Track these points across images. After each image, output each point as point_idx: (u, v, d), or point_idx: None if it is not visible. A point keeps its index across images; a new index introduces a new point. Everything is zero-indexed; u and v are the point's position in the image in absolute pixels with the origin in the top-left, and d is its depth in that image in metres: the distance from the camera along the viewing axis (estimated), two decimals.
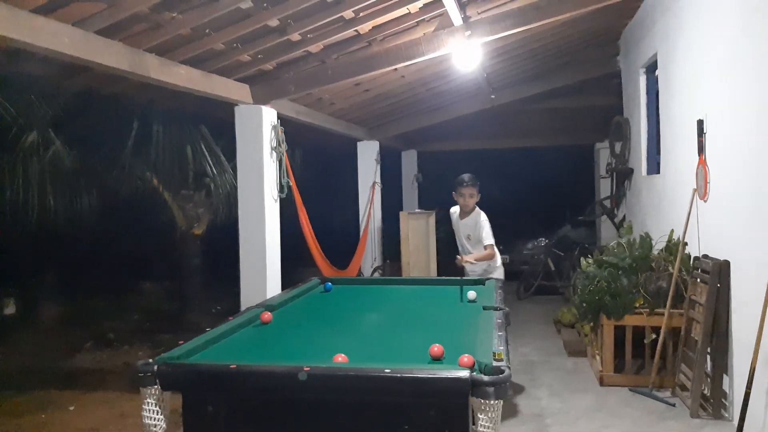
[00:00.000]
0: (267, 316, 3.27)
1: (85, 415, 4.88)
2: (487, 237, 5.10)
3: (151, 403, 2.32)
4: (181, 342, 2.66)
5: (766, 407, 3.66)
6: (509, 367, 2.25)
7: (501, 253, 5.35)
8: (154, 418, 2.33)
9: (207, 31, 4.19)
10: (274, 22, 4.32)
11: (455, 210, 5.49)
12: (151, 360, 2.38)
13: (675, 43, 5.49)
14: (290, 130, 5.91)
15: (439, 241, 9.22)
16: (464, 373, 2.13)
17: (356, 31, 4.93)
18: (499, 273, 5.19)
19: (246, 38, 4.49)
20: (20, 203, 5.96)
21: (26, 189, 5.97)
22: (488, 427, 2.10)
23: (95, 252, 8.54)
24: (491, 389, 2.10)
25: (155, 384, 2.32)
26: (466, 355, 2.29)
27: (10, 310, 7.96)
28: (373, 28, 5.00)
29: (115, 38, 3.82)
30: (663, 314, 4.89)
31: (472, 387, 2.10)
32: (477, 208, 5.26)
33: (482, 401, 2.10)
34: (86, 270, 8.60)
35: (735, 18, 4.14)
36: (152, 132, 6.86)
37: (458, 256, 5.26)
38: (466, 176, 5.24)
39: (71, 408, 5.05)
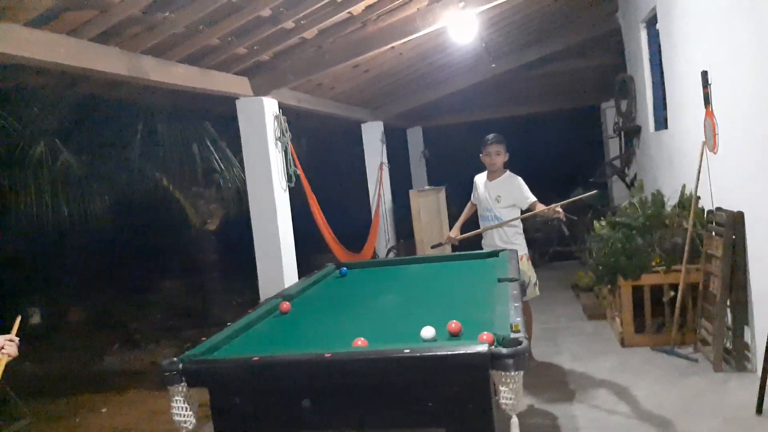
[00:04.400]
0: (285, 305, 3.31)
1: (117, 416, 5.00)
2: (530, 194, 4.84)
3: (180, 401, 2.37)
4: (203, 338, 2.71)
5: None
6: (527, 338, 2.27)
7: None
8: (184, 415, 2.38)
9: (201, 27, 4.19)
10: (266, 12, 4.30)
11: (481, 175, 5.14)
12: (176, 358, 2.43)
13: None
14: (293, 118, 5.91)
15: (450, 217, 9.23)
16: (483, 348, 2.15)
17: (349, 12, 4.89)
18: (520, 243, 4.85)
19: (240, 31, 4.48)
20: (35, 215, 6.04)
21: (39, 200, 6.05)
22: (510, 398, 2.13)
23: (114, 255, 8.67)
24: (510, 361, 2.12)
25: (182, 381, 2.36)
26: (485, 332, 2.31)
27: (35, 320, 8.12)
28: (366, 8, 4.96)
29: (110, 44, 3.83)
30: (680, 271, 4.88)
31: (492, 360, 2.13)
32: (509, 171, 4.99)
33: (503, 373, 2.12)
34: (107, 273, 8.74)
35: None
36: (157, 132, 6.90)
37: (450, 234, 5.12)
38: (490, 135, 4.99)
39: (104, 410, 5.18)
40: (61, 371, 6.50)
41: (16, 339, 2.54)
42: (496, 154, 4.93)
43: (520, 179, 4.94)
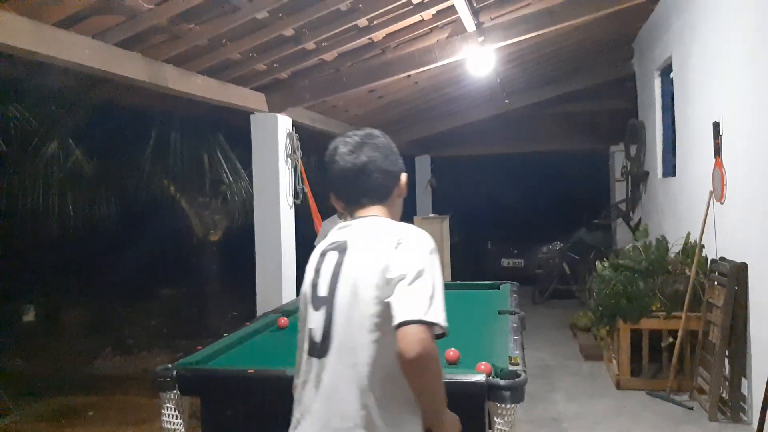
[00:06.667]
0: (284, 321, 3.31)
1: (104, 421, 4.95)
2: None
3: (171, 408, 2.36)
4: (199, 347, 2.71)
5: None
6: (525, 371, 2.27)
7: (515, 256, 5.23)
8: (174, 423, 2.37)
9: (224, 41, 4.26)
10: (289, 32, 4.38)
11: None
12: (170, 365, 2.43)
13: (690, 45, 5.47)
14: (305, 137, 5.96)
15: (453, 246, 9.22)
16: (480, 377, 2.15)
17: (370, 38, 4.97)
18: None
19: (262, 48, 4.55)
20: (41, 211, 6.07)
21: (47, 197, 6.09)
22: (504, 431, 2.12)
23: (114, 258, 8.65)
24: (507, 393, 2.11)
25: (174, 389, 2.36)
26: (483, 362, 2.30)
27: (29, 317, 8.09)
28: (387, 35, 5.05)
29: (134, 50, 3.89)
30: (680, 317, 4.85)
31: (489, 391, 2.12)
32: None
33: (498, 405, 2.12)
34: (105, 276, 8.71)
35: (750, 19, 4.12)
36: (170, 140, 6.96)
37: None
38: None
39: (90, 413, 5.12)
40: (50, 371, 6.45)
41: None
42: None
43: None
